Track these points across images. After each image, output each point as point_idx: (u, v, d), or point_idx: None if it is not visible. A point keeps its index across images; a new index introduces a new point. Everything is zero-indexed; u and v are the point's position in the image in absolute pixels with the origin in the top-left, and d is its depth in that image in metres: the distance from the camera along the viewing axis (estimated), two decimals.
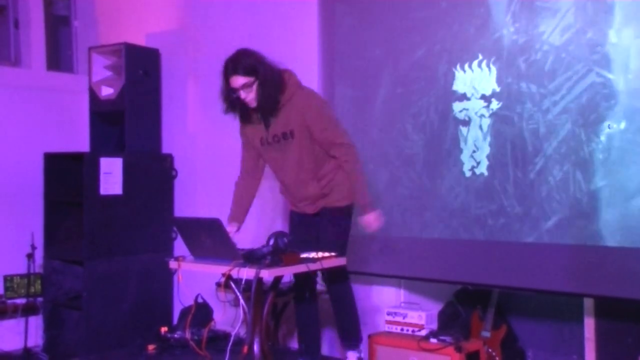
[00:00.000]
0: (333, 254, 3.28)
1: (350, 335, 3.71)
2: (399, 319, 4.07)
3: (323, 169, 3.54)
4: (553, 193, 3.54)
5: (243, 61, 3.37)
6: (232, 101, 3.45)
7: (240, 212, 3.64)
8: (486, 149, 3.77)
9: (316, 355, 3.73)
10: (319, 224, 3.60)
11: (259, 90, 3.37)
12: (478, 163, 3.80)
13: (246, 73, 3.35)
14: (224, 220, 3.06)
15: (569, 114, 3.50)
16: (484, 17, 3.78)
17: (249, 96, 3.39)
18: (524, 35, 3.65)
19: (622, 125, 3.35)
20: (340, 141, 3.48)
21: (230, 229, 3.50)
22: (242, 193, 3.67)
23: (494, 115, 3.75)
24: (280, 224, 4.49)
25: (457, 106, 3.88)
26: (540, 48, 3.60)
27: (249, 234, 3.97)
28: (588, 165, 3.43)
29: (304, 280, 3.60)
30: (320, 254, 3.23)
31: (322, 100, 3.58)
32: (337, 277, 3.63)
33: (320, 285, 4.00)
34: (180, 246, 4.40)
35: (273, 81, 3.39)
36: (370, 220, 3.51)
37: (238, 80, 3.36)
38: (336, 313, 3.73)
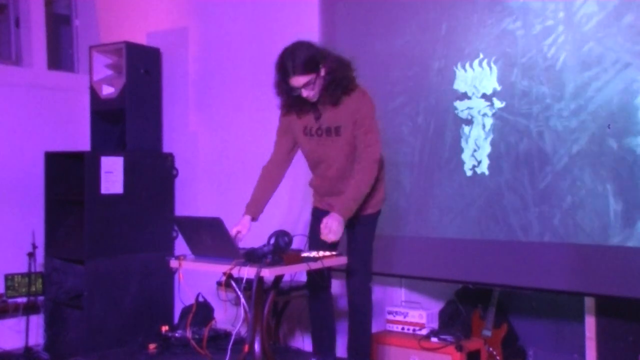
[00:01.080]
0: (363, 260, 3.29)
1: (360, 354, 3.61)
2: (399, 318, 4.07)
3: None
4: (553, 192, 3.54)
5: (301, 58, 3.18)
6: (289, 97, 3.29)
7: (259, 202, 3.48)
8: (487, 148, 3.77)
9: (330, 355, 3.68)
10: (348, 230, 3.47)
11: (324, 84, 3.21)
12: (479, 162, 3.80)
13: (307, 71, 3.18)
14: (225, 218, 3.05)
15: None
16: (487, 8, 3.78)
17: (311, 93, 3.24)
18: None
19: None
20: (374, 156, 3.32)
21: (242, 227, 3.40)
22: (267, 180, 3.52)
23: (495, 114, 3.74)
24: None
25: (458, 105, 3.88)
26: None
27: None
28: (592, 167, 3.43)
29: (317, 278, 3.56)
30: (321, 253, 3.22)
31: (373, 104, 3.40)
32: (360, 284, 3.54)
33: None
34: (181, 245, 4.41)
35: (337, 72, 3.23)
36: (334, 224, 3.20)
37: (299, 80, 3.19)
38: (350, 324, 3.62)
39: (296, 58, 3.19)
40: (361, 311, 3.57)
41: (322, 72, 3.22)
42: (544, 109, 3.56)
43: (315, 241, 3.42)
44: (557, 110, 3.52)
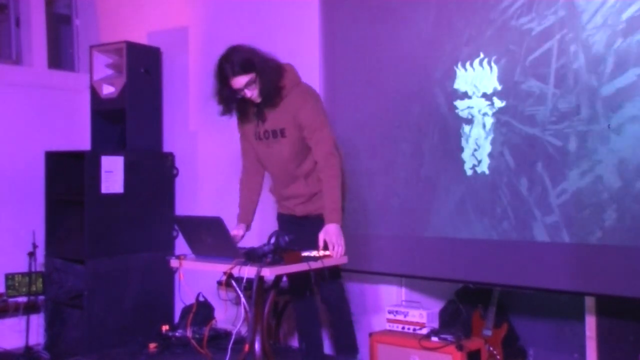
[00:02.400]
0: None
1: (347, 348, 3.66)
2: (400, 317, 4.07)
3: (312, 168, 3.49)
4: (554, 192, 3.54)
5: (239, 59, 3.26)
6: (229, 102, 3.37)
7: (247, 211, 3.59)
8: (487, 148, 3.77)
9: (318, 355, 3.70)
10: (310, 230, 3.45)
11: (261, 82, 3.28)
12: (479, 162, 3.80)
13: (246, 70, 3.26)
14: (225, 218, 3.06)
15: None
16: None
17: (254, 93, 3.31)
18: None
19: None
20: (326, 149, 3.37)
21: (238, 231, 3.49)
22: (247, 190, 3.62)
23: (495, 114, 3.74)
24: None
25: (458, 104, 3.88)
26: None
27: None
28: (593, 166, 3.43)
29: (299, 280, 3.59)
30: (321, 253, 3.22)
31: (317, 99, 3.48)
32: (331, 284, 3.59)
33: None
34: (181, 245, 4.40)
35: (271, 69, 3.30)
36: (332, 236, 3.24)
37: (240, 80, 3.27)
38: (331, 322, 3.69)
39: (233, 60, 3.27)
40: (340, 308, 3.64)
41: (258, 72, 3.28)
42: (545, 107, 3.56)
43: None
44: (559, 110, 3.52)
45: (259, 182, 3.65)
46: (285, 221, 3.67)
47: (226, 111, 3.43)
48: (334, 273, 3.58)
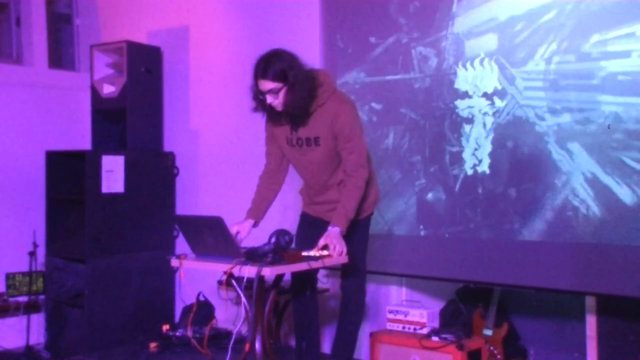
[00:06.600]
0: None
1: (343, 355, 3.62)
2: (400, 317, 4.07)
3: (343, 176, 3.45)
4: (555, 191, 3.54)
5: (273, 65, 3.20)
6: (259, 100, 3.31)
7: (260, 207, 3.51)
8: (488, 147, 3.77)
9: (315, 354, 3.69)
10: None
11: (288, 96, 3.22)
12: (480, 161, 3.80)
13: (274, 78, 3.20)
14: (226, 217, 3.05)
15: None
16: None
17: (275, 101, 3.25)
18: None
19: None
20: (357, 159, 3.33)
21: (245, 225, 3.43)
22: (264, 188, 3.55)
23: (496, 113, 3.74)
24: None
25: (459, 104, 3.88)
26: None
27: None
28: (593, 166, 3.43)
29: (303, 278, 3.58)
30: (318, 253, 3.21)
31: (353, 107, 3.41)
32: (355, 290, 3.55)
33: (322, 283, 4.00)
34: (182, 244, 4.41)
35: (303, 88, 3.23)
36: (333, 239, 3.19)
37: (265, 85, 3.22)
38: (339, 325, 3.63)
39: (267, 64, 3.22)
40: (353, 312, 3.59)
41: (288, 86, 3.22)
42: (544, 106, 3.56)
43: (306, 244, 3.42)
44: (559, 109, 3.52)
45: (278, 183, 3.57)
46: (308, 222, 3.62)
47: (257, 108, 3.37)
48: (361, 276, 3.55)
